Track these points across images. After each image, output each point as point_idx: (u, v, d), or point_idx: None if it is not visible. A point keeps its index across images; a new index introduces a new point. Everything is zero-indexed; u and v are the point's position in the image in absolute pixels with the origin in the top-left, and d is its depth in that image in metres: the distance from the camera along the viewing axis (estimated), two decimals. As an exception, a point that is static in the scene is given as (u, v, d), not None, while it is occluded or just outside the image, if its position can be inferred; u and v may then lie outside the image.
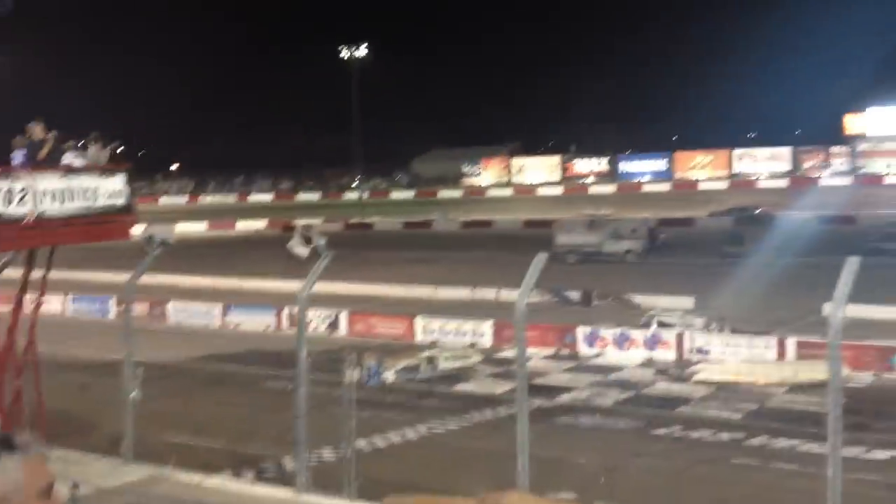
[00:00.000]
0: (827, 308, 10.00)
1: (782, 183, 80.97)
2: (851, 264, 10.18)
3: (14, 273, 17.98)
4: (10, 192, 15.20)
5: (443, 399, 21.15)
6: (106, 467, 14.86)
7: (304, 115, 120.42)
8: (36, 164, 16.13)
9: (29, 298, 16.83)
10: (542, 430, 14.28)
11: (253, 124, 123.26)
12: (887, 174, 79.05)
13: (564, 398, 20.91)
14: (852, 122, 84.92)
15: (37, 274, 16.81)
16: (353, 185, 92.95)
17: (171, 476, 14.58)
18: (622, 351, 24.90)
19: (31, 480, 2.02)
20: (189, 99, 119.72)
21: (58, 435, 16.65)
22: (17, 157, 16.36)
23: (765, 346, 23.57)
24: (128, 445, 15.21)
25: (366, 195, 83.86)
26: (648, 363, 24.11)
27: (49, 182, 15.91)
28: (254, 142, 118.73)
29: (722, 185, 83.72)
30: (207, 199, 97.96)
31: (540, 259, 12.83)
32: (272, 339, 27.70)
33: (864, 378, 21.36)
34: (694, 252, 40.29)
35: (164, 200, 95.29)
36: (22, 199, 15.34)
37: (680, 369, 23.32)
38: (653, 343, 24.77)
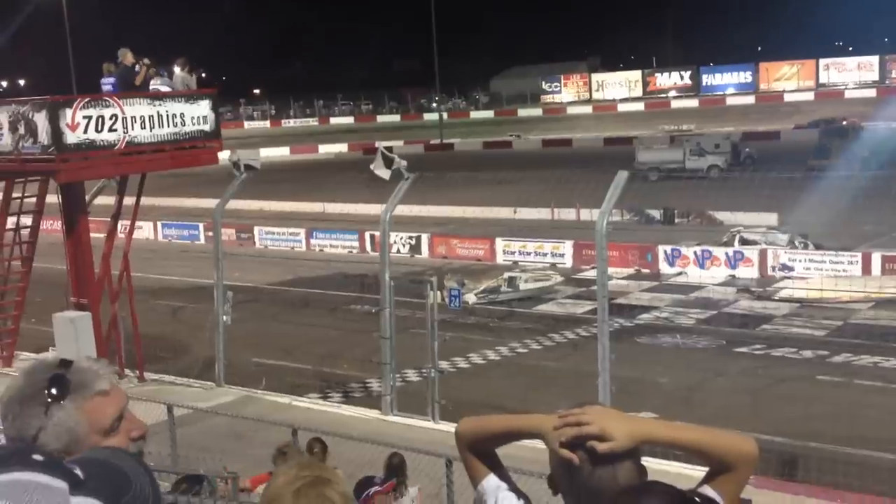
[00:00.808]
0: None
1: (870, 93, 77.54)
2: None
3: (106, 200, 18.61)
4: (101, 118, 15.49)
5: (524, 320, 21.32)
6: (200, 389, 15.53)
7: (384, 37, 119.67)
8: (126, 90, 16.37)
9: (121, 225, 17.35)
10: (623, 350, 14.29)
11: (331, 47, 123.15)
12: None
13: (645, 317, 20.87)
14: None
15: (128, 200, 17.27)
16: (433, 106, 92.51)
17: (263, 397, 15.18)
18: (704, 269, 24.59)
19: (94, 420, 1.80)
20: (267, 22, 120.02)
21: (153, 358, 17.51)
22: (107, 83, 16.58)
23: (849, 262, 23.00)
24: (220, 368, 15.84)
25: (445, 116, 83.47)
26: (730, 281, 23.81)
27: (138, 108, 16.12)
28: (332, 64, 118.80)
29: (808, 96, 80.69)
30: (289, 124, 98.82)
31: (621, 177, 12.66)
32: (356, 262, 28.16)
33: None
34: (779, 167, 39.14)
35: (248, 125, 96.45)
36: (113, 125, 15.66)
37: (762, 287, 22.98)
38: (735, 260, 24.40)
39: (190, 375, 16.56)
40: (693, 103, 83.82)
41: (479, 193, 38.28)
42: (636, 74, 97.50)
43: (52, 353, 16.06)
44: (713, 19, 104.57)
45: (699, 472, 1.81)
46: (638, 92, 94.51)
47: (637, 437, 1.71)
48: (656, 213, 31.28)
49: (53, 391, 1.76)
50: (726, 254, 24.64)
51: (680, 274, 24.75)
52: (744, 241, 24.89)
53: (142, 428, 1.89)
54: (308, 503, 1.78)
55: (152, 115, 16.33)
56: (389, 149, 17.06)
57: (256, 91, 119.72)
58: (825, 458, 12.27)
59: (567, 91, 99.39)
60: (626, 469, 1.71)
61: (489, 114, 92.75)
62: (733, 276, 24.04)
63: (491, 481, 1.97)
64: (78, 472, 1.46)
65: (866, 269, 22.63)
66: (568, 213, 32.31)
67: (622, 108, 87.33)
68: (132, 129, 15.95)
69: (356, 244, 30.96)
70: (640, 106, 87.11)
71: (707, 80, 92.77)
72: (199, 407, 12.79)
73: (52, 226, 20.07)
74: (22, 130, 15.41)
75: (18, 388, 1.79)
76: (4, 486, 1.41)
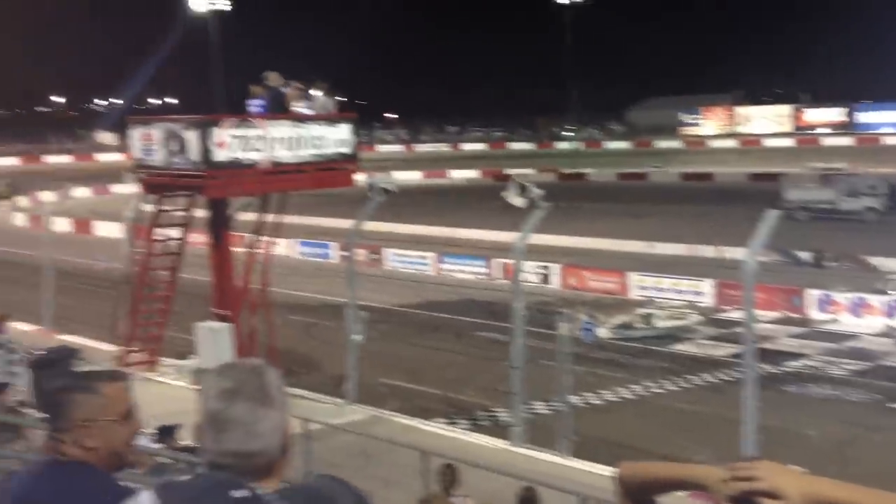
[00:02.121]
0: None
1: None
2: None
3: (248, 216, 19.06)
4: (247, 138, 16.03)
5: (659, 359, 20.54)
6: (331, 406, 15.59)
7: (517, 64, 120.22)
8: (274, 111, 16.83)
9: (263, 241, 17.77)
10: (768, 398, 13.46)
11: (466, 74, 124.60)
12: None
13: (792, 365, 19.73)
14: None
15: (269, 218, 17.66)
16: (567, 135, 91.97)
17: (391, 418, 15.08)
18: (857, 317, 23.11)
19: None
20: (402, 48, 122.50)
21: (286, 372, 17.69)
22: (256, 105, 17.13)
23: None
24: (351, 386, 15.88)
25: (580, 145, 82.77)
26: (889, 332, 22.25)
27: (282, 130, 16.64)
28: (466, 90, 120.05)
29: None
30: (422, 148, 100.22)
31: (771, 216, 12.15)
32: (483, 289, 27.95)
33: None
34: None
35: (382, 149, 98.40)
36: (257, 146, 16.12)
37: (925, 340, 21.38)
38: (893, 310, 22.80)
39: (321, 391, 16.66)
40: (846, 141, 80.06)
41: (613, 225, 37.56)
42: (785, 109, 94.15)
43: (193, 361, 16.51)
44: (869, 54, 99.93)
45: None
46: (786, 127, 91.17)
47: (810, 496, 1.57)
48: (805, 255, 29.75)
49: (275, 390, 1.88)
50: (883, 302, 23.07)
51: (832, 321, 23.35)
52: (903, 290, 23.25)
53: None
54: None
55: (294, 137, 16.81)
56: (524, 177, 16.85)
57: (391, 115, 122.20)
58: None
59: (709, 124, 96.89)
60: None
61: (625, 144, 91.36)
62: (892, 327, 22.45)
63: None
64: None
65: None
66: (706, 250, 31.15)
67: (769, 143, 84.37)
68: (276, 149, 16.47)
69: (485, 271, 30.74)
70: (788, 142, 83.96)
71: (862, 117, 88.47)
72: (332, 423, 12.80)
73: (197, 239, 20.72)
74: (174, 147, 16.09)
75: (253, 371, 1.88)
76: None
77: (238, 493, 1.46)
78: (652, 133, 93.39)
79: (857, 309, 23.29)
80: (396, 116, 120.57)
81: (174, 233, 17.55)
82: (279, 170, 16.62)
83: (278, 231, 18.01)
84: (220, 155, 15.74)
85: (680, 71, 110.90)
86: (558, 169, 65.63)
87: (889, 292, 23.44)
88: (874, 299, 23.34)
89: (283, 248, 35.01)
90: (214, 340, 15.52)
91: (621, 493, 1.87)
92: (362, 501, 1.62)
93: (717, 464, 1.69)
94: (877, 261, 28.18)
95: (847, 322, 23.11)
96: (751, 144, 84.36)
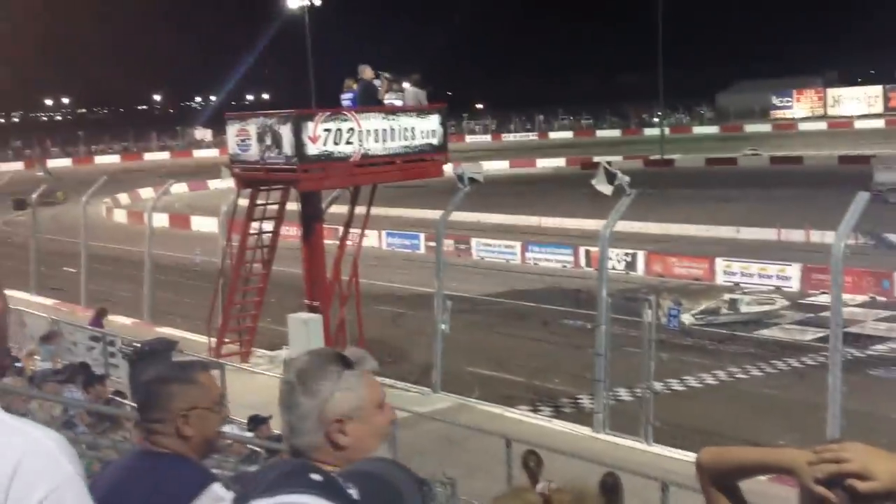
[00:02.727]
0: None
1: None
2: None
3: (338, 208, 19.69)
4: (339, 131, 16.33)
5: (744, 344, 20.50)
6: (417, 394, 16.08)
7: (607, 52, 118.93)
8: (367, 104, 17.08)
9: (353, 233, 18.17)
10: (853, 382, 13.45)
11: (553, 61, 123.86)
12: None
13: (879, 348, 19.50)
14: None
15: (359, 209, 18.04)
16: (654, 121, 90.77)
17: (476, 406, 15.52)
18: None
19: (370, 394, 2.04)
20: (491, 38, 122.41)
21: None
22: (347, 98, 17.41)
23: None
24: (437, 375, 16.34)
25: (667, 131, 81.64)
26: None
27: (373, 122, 16.88)
28: (554, 78, 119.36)
29: None
30: (510, 138, 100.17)
31: (861, 198, 12.03)
32: (569, 276, 28.14)
33: None
34: None
35: (469, 139, 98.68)
36: (349, 138, 16.45)
37: None
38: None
39: (408, 380, 17.18)
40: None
41: (700, 211, 37.22)
42: (877, 90, 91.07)
43: (285, 351, 17.21)
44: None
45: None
46: (878, 108, 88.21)
47: None
48: (893, 238, 29.08)
49: (343, 360, 2.01)
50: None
51: (919, 305, 22.92)
52: None
53: (395, 414, 2.14)
54: None
55: (385, 129, 17.06)
56: (610, 163, 16.98)
57: (479, 105, 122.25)
58: None
59: (800, 106, 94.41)
60: None
61: (714, 129, 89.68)
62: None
63: None
64: (353, 491, 1.47)
65: None
66: (795, 235, 30.72)
67: (860, 124, 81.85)
68: (366, 142, 16.74)
69: (571, 259, 30.92)
70: (880, 123, 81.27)
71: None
72: (418, 411, 13.26)
73: (288, 232, 21.35)
74: (268, 141, 16.41)
75: (308, 361, 2.03)
76: None
77: (315, 477, 1.44)
78: (742, 117, 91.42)
79: (946, 293, 22.80)
80: (484, 106, 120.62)
81: (267, 226, 17.93)
82: (370, 162, 16.84)
83: (368, 223, 18.31)
84: (313, 148, 16.01)
85: (771, 54, 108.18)
86: (646, 156, 65.04)
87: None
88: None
89: (373, 239, 35.86)
90: (306, 331, 15.96)
91: (705, 479, 1.85)
92: (423, 485, 1.61)
93: (801, 447, 1.69)
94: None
95: (938, 306, 22.65)
96: (841, 126, 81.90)
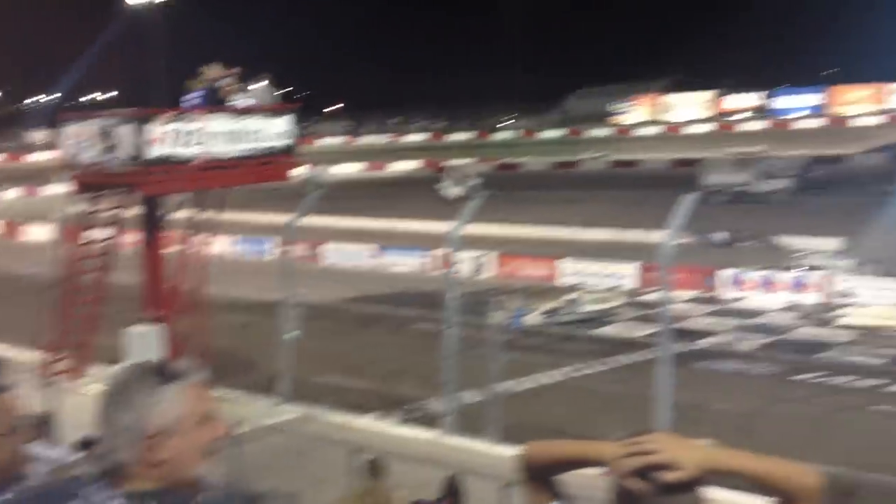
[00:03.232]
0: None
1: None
2: None
3: (184, 214, 19.05)
4: (183, 133, 15.64)
5: (584, 342, 21.40)
6: (264, 406, 15.85)
7: (461, 56, 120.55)
8: (212, 104, 16.50)
9: (197, 240, 17.56)
10: (683, 375, 14.32)
11: (407, 65, 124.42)
12: None
13: (705, 342, 20.80)
14: None
15: (205, 215, 17.41)
16: (503, 125, 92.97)
17: (323, 416, 15.45)
18: (766, 294, 24.41)
19: (192, 408, 1.97)
20: (349, 40, 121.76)
21: (221, 374, 17.95)
22: (193, 98, 16.77)
23: (915, 289, 22.62)
24: (285, 385, 16.15)
25: (517, 134, 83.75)
26: (793, 307, 23.57)
27: (220, 123, 16.27)
28: (408, 82, 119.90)
29: (878, 120, 79.17)
30: (364, 140, 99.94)
31: (687, 200, 12.71)
32: (423, 280, 28.44)
33: None
34: (847, 191, 38.50)
35: (324, 141, 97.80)
36: (194, 140, 15.79)
37: (824, 313, 22.71)
38: (798, 286, 24.16)
39: (256, 391, 16.94)
40: (763, 125, 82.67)
41: (546, 213, 38.43)
42: (706, 96, 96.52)
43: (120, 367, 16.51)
44: (785, 41, 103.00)
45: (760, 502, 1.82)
46: (708, 113, 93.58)
47: (704, 465, 1.66)
48: (721, 237, 31.06)
49: (163, 373, 1.96)
50: (789, 279, 24.41)
51: (742, 299, 24.60)
52: (808, 267, 24.63)
53: (225, 428, 2.08)
54: None
55: (233, 131, 16.43)
56: (461, 167, 17.32)
57: (336, 107, 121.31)
58: (887, 490, 12.18)
59: (638, 112, 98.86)
60: (691, 500, 1.68)
61: (560, 133, 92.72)
62: (796, 302, 23.80)
63: None
64: None
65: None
66: (634, 235, 32.28)
67: (692, 129, 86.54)
68: (213, 144, 16.06)
69: (423, 262, 31.30)
70: (709, 127, 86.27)
71: (777, 102, 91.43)
72: (264, 423, 13.11)
73: (130, 240, 20.59)
74: (107, 143, 15.59)
75: (126, 374, 1.98)
76: None
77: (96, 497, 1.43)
78: (586, 121, 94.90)
79: (766, 286, 24.60)
80: (342, 108, 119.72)
81: (104, 233, 17.04)
82: (216, 165, 16.20)
83: (214, 228, 17.74)
84: (155, 151, 15.30)
85: (617, 60, 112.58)
86: (496, 159, 66.53)
87: (795, 269, 24.80)
88: (782, 276, 24.65)
89: (220, 245, 35.07)
90: (143, 345, 15.26)
91: (525, 473, 1.93)
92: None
93: (614, 439, 1.75)
94: (788, 240, 29.61)
95: (756, 299, 24.37)
96: (675, 130, 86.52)
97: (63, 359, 17.31)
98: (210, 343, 17.29)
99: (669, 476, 1.65)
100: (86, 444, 9.29)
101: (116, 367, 15.90)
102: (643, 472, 1.67)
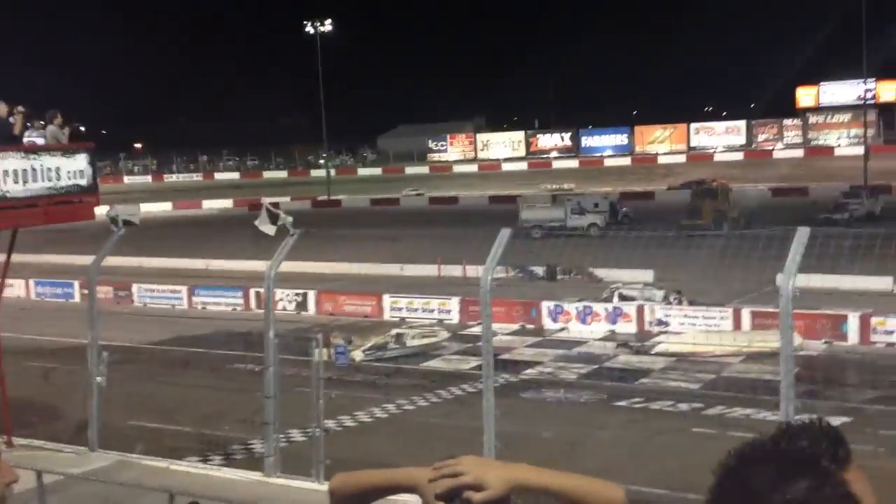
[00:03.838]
0: (779, 279, 10.18)
1: (738, 156, 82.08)
2: (802, 235, 10.34)
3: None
4: None
5: (411, 377, 21.35)
6: (72, 455, 14.83)
7: (270, 93, 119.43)
8: (1, 142, 15.84)
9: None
10: (508, 405, 14.40)
11: (217, 102, 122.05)
12: (838, 146, 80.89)
13: (529, 373, 21.22)
14: (804, 96, 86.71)
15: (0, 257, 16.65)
16: (320, 162, 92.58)
17: (138, 462, 14.59)
18: (585, 325, 25.28)
19: None
20: (152, 77, 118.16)
21: (22, 423, 16.65)
22: None
23: (721, 317, 24.08)
24: (94, 432, 15.15)
25: (333, 172, 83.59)
26: (611, 336, 24.52)
27: (10, 162, 15.58)
28: (218, 120, 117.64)
29: (680, 158, 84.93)
30: (172, 178, 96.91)
31: (504, 234, 12.84)
32: (240, 319, 27.66)
33: (817, 346, 21.88)
34: (654, 225, 40.80)
35: (128, 180, 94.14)
36: None
37: (640, 342, 23.77)
38: (615, 316, 25.19)
39: (62, 440, 15.82)
40: (573, 163, 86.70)
41: (366, 250, 38.28)
42: (519, 135, 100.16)
43: None
44: (591, 84, 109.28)
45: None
46: (521, 152, 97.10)
47: (511, 483, 1.69)
48: (539, 270, 32.00)
49: None
50: (606, 309, 25.42)
51: (563, 329, 25.35)
52: (622, 297, 25.75)
53: (12, 475, 1.90)
54: None
55: (25, 169, 15.81)
56: (276, 205, 16.93)
57: (138, 145, 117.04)
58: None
59: (453, 150, 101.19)
60: None
61: (377, 171, 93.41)
62: (613, 332, 24.78)
63: None
64: None
65: (737, 325, 23.75)
66: (454, 270, 32.66)
67: (506, 167, 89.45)
68: (3, 183, 15.43)
69: (240, 301, 30.45)
70: (523, 165, 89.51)
71: (586, 141, 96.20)
72: (71, 473, 12.25)
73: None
74: None
75: None
76: None
77: None
78: (402, 159, 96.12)
79: (585, 317, 25.51)
80: (142, 146, 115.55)
81: None
82: (9, 205, 15.60)
83: (9, 271, 16.83)
84: None
85: (428, 99, 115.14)
86: (313, 196, 66.02)
87: (610, 300, 25.86)
88: (599, 307, 25.65)
89: (19, 288, 32.78)
90: None
91: None
92: None
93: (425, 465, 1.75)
94: (601, 272, 30.86)
95: (576, 329, 25.21)
96: (490, 168, 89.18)
97: None
98: (8, 391, 16.07)
99: (477, 497, 1.67)
100: None
101: None
102: (452, 495, 1.68)
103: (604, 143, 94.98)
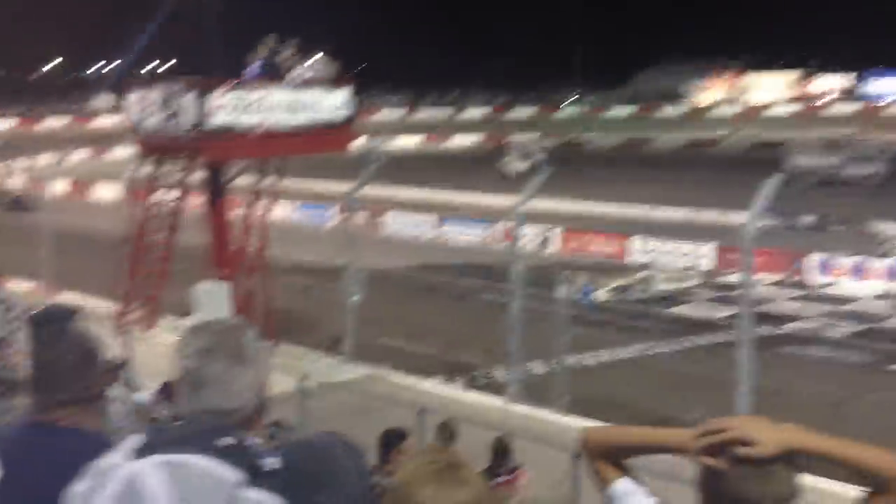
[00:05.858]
0: None
1: None
2: None
3: (247, 180, 19.05)
4: (243, 103, 16.09)
5: (657, 320, 20.55)
6: (328, 364, 15.68)
7: (526, 31, 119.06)
8: (272, 76, 16.79)
9: (260, 205, 17.83)
10: (765, 359, 13.46)
11: (470, 36, 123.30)
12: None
13: (791, 327, 19.79)
14: None
15: (267, 181, 17.69)
16: (571, 101, 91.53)
17: (389, 376, 15.16)
18: (858, 281, 23.10)
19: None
20: (407, 13, 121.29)
21: (284, 332, 17.76)
22: (253, 69, 17.10)
23: None
24: (349, 345, 15.97)
25: (585, 110, 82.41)
26: (887, 295, 22.25)
27: (280, 94, 16.64)
28: (471, 54, 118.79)
29: None
30: (424, 113, 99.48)
31: (774, 180, 12.13)
32: (484, 252, 27.88)
33: None
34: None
35: (384, 113, 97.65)
36: (255, 109, 16.15)
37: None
38: (892, 274, 22.81)
39: (320, 350, 16.76)
40: (853, 108, 79.53)
41: (616, 190, 37.41)
42: (792, 75, 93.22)
43: (190, 320, 16.55)
44: (880, 20, 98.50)
45: (854, 491, 1.66)
46: (791, 94, 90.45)
47: (785, 444, 1.60)
48: (808, 220, 29.69)
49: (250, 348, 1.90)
50: (884, 267, 23.06)
51: (831, 284, 23.34)
52: (903, 254, 23.28)
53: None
54: (447, 486, 1.68)
55: (292, 101, 16.87)
56: (525, 142, 16.80)
57: (395, 79, 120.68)
58: None
59: (716, 90, 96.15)
60: (776, 479, 1.60)
61: (631, 109, 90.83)
62: (890, 291, 22.46)
63: (624, 485, 1.86)
64: (271, 461, 1.44)
65: None
66: (709, 215, 31.07)
67: (775, 110, 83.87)
68: (273, 113, 16.53)
69: (485, 234, 30.70)
70: (794, 108, 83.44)
71: (871, 85, 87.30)
72: (329, 380, 12.90)
73: (195, 202, 20.76)
74: (171, 110, 16.16)
75: (231, 329, 1.91)
76: (172, 466, 1.41)
77: (223, 441, 1.44)
78: (660, 98, 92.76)
79: (858, 272, 23.31)
80: (399, 80, 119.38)
81: (171, 195, 17.63)
82: (276, 134, 16.63)
83: (276, 195, 18.05)
84: (217, 119, 15.82)
85: (692, 36, 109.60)
86: (563, 134, 65.41)
87: (889, 256, 23.45)
88: (876, 263, 23.35)
89: (282, 211, 35.00)
90: (211, 300, 15.55)
91: (591, 456, 1.91)
92: (360, 456, 1.64)
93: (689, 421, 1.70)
94: (880, 226, 28.11)
95: (847, 286, 23.13)
96: (755, 112, 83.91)
97: (134, 310, 17.88)
98: (274, 303, 17.18)
99: (743, 451, 1.60)
100: (165, 390, 9.26)
101: (190, 320, 16.26)
102: (719, 449, 1.62)
103: (891, 87, 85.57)
